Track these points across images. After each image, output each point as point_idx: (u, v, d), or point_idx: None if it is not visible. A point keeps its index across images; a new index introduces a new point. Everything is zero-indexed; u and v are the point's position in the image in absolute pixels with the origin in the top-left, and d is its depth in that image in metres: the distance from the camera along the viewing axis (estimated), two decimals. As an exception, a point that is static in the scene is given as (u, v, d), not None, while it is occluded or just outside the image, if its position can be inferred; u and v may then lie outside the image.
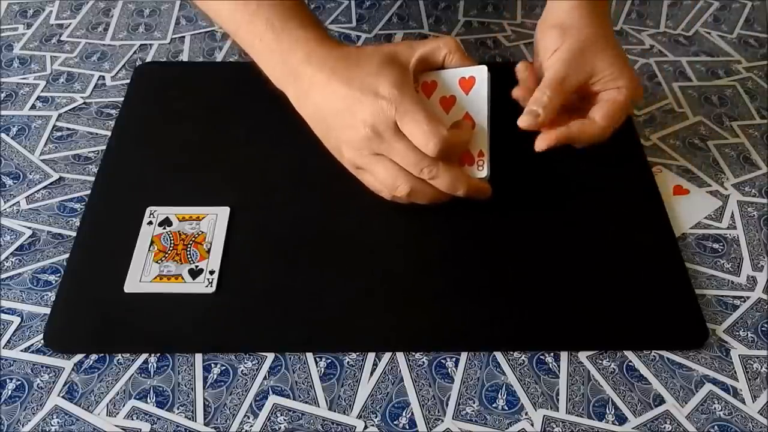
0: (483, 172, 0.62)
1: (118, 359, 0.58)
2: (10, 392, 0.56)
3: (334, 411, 0.55)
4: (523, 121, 0.61)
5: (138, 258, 0.62)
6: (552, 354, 0.58)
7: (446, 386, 0.57)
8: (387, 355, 0.58)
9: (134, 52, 0.84)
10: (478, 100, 0.62)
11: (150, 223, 0.65)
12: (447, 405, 0.56)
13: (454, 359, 0.58)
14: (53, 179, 0.70)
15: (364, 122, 0.58)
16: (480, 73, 0.63)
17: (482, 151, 0.62)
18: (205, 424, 0.54)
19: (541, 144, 0.62)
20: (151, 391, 0.56)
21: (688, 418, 0.55)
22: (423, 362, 0.58)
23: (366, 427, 0.54)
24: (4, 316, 0.60)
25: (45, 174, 0.71)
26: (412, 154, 0.58)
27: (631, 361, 0.58)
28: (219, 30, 0.87)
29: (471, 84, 0.63)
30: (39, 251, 0.65)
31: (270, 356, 0.58)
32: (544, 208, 0.67)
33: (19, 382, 0.56)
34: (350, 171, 0.63)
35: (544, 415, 0.55)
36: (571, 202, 0.67)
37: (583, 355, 0.58)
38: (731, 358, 0.58)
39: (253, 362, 0.58)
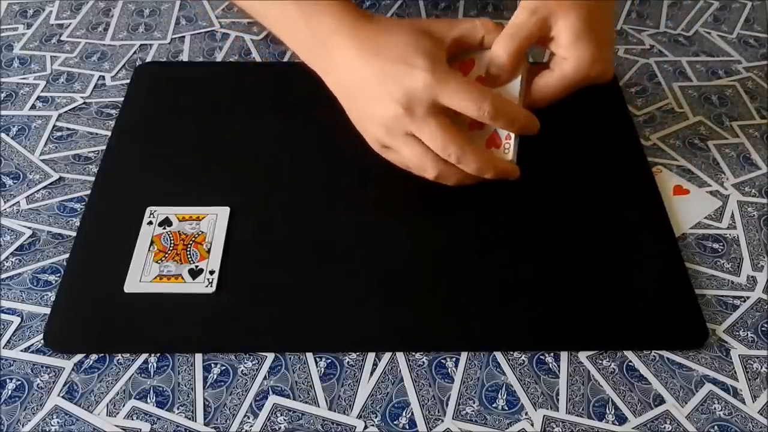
0: (509, 155, 0.61)
1: (118, 359, 0.58)
2: (10, 392, 0.56)
3: (334, 411, 0.55)
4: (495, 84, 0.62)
5: (138, 258, 0.62)
6: (552, 354, 0.58)
7: (446, 386, 0.57)
8: (387, 355, 0.58)
9: (134, 52, 0.84)
10: (511, 87, 0.61)
11: (150, 223, 0.65)
12: (447, 405, 0.56)
13: (454, 359, 0.58)
14: (53, 179, 0.70)
15: (394, 97, 0.56)
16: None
17: (509, 134, 0.61)
18: (205, 424, 0.54)
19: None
20: (151, 391, 0.56)
21: (688, 418, 0.55)
22: (423, 362, 0.58)
23: (366, 427, 0.54)
24: (4, 316, 0.60)
25: (45, 174, 0.71)
26: (441, 135, 0.57)
27: (631, 361, 0.58)
28: (219, 30, 0.87)
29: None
30: (39, 251, 0.65)
31: (270, 356, 0.58)
32: (544, 208, 0.67)
33: (19, 382, 0.56)
34: (374, 148, 0.62)
35: (544, 415, 0.55)
36: (571, 202, 0.67)
37: (583, 355, 0.58)
38: (731, 358, 0.58)
39: (253, 362, 0.58)
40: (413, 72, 0.56)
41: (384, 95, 0.56)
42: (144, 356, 0.58)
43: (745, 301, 0.62)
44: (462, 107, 0.57)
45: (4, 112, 0.77)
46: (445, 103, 0.56)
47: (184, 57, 0.84)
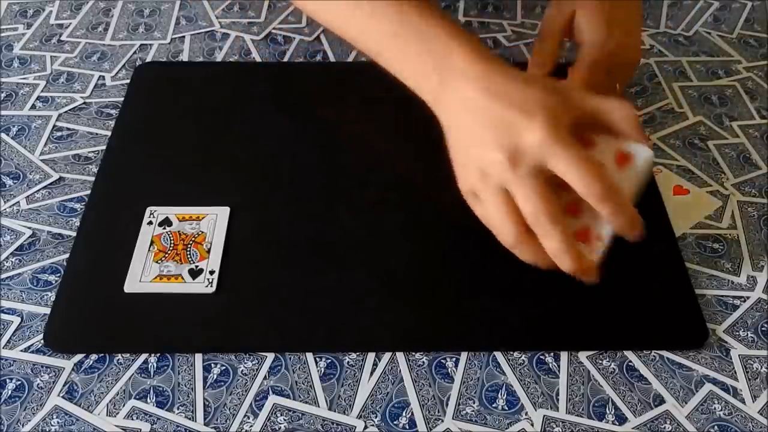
0: (594, 255, 0.55)
1: (118, 359, 0.58)
2: (10, 392, 0.56)
3: (334, 411, 0.55)
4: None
5: (138, 258, 0.62)
6: (552, 354, 0.58)
7: (446, 386, 0.57)
8: (387, 355, 0.58)
9: (134, 52, 0.84)
10: (627, 182, 0.54)
11: (150, 223, 0.65)
12: (447, 405, 0.56)
13: (454, 359, 0.58)
14: (53, 179, 0.70)
15: (502, 144, 0.51)
16: (642, 154, 0.55)
17: (602, 235, 0.55)
18: (205, 424, 0.54)
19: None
20: (151, 391, 0.56)
21: (688, 418, 0.55)
22: (423, 362, 0.58)
23: (366, 427, 0.54)
24: (4, 316, 0.60)
25: (45, 174, 0.71)
26: (537, 200, 0.51)
27: (631, 361, 0.58)
28: (219, 30, 0.87)
29: (628, 162, 0.55)
30: (39, 251, 0.65)
31: (270, 356, 0.58)
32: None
33: (19, 382, 0.56)
34: (462, 191, 0.56)
35: (544, 415, 0.55)
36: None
37: (583, 355, 0.58)
38: (731, 358, 0.58)
39: (253, 362, 0.58)
40: (531, 125, 0.51)
41: (493, 139, 0.52)
42: (144, 356, 0.58)
43: (745, 301, 0.62)
44: (571, 179, 0.51)
45: (4, 112, 0.77)
46: (554, 168, 0.51)
47: (184, 57, 0.84)
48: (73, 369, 0.57)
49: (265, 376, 0.57)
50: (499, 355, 0.58)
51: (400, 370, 0.57)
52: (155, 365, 0.57)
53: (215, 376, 0.57)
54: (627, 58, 0.70)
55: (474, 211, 0.56)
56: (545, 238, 0.52)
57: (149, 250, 0.63)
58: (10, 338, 0.59)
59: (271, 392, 0.56)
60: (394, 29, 0.57)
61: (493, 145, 0.51)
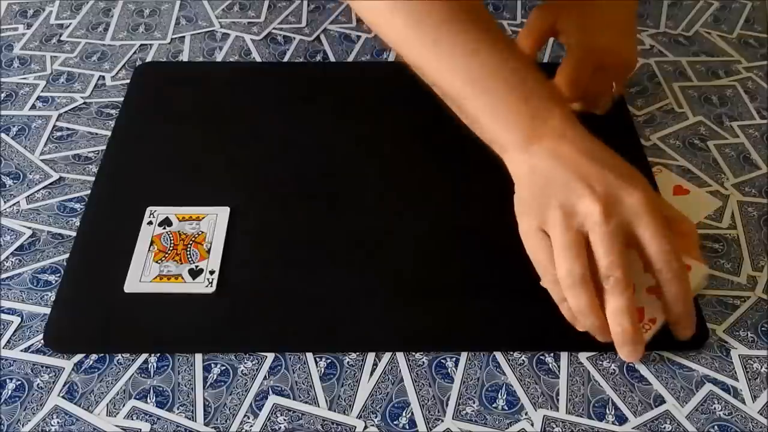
0: (646, 335, 0.55)
1: (118, 359, 0.58)
2: (10, 392, 0.56)
3: (334, 411, 0.55)
4: None
5: (138, 258, 0.62)
6: (552, 354, 0.58)
7: (446, 386, 0.57)
8: (387, 355, 0.58)
9: (134, 52, 0.84)
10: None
11: (150, 223, 0.65)
12: (447, 405, 0.55)
13: (454, 359, 0.58)
14: (53, 179, 0.70)
15: (599, 193, 0.51)
16: (701, 269, 0.57)
17: (656, 319, 0.55)
18: (205, 424, 0.54)
19: None
20: (151, 391, 0.56)
21: (688, 418, 0.55)
22: (423, 362, 0.58)
23: (366, 427, 0.54)
24: (4, 316, 0.60)
25: (45, 174, 0.71)
26: (616, 255, 0.51)
27: (631, 362, 0.58)
28: (219, 30, 0.87)
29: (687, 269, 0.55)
30: (39, 251, 0.65)
31: (270, 356, 0.58)
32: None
33: (19, 382, 0.56)
34: (525, 225, 0.55)
35: (544, 415, 0.55)
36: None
37: (583, 356, 0.58)
38: (731, 358, 0.58)
39: (253, 362, 0.58)
40: (632, 189, 0.52)
41: (589, 192, 0.51)
42: (144, 356, 0.58)
43: (745, 301, 0.62)
44: (653, 248, 0.52)
45: (4, 112, 0.77)
46: (641, 234, 0.52)
47: (184, 57, 0.84)
48: (73, 369, 0.57)
49: (265, 376, 0.57)
50: (499, 355, 0.58)
51: (400, 370, 0.57)
52: (155, 365, 0.57)
53: (215, 376, 0.57)
54: (621, 59, 0.70)
55: (529, 248, 0.55)
56: (611, 296, 0.52)
57: (149, 250, 0.63)
58: (10, 338, 0.59)
59: (271, 392, 0.56)
60: (476, 71, 0.55)
61: (589, 194, 0.51)
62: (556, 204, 0.52)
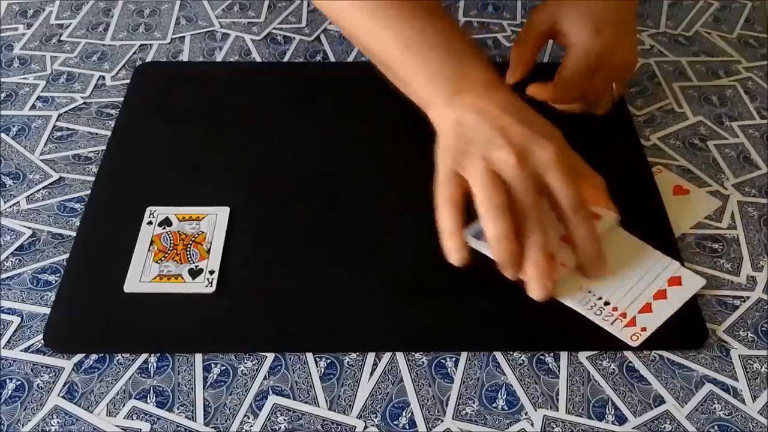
0: (557, 275, 0.58)
1: (118, 359, 0.58)
2: (10, 392, 0.56)
3: (334, 411, 0.55)
4: (508, 80, 0.71)
5: (138, 258, 0.62)
6: (552, 354, 0.58)
7: (446, 386, 0.57)
8: (387, 355, 0.58)
9: (134, 52, 0.84)
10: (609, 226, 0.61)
11: (150, 223, 0.65)
12: (447, 405, 0.56)
13: (454, 359, 0.58)
14: (53, 179, 0.70)
15: (513, 147, 0.56)
16: (609, 216, 0.61)
17: (567, 264, 0.59)
18: (205, 424, 0.54)
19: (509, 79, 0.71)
20: (151, 391, 0.56)
21: (688, 418, 0.55)
22: (423, 362, 0.58)
23: (366, 427, 0.54)
24: (4, 316, 0.60)
25: (45, 174, 0.71)
26: (535, 197, 0.56)
27: (631, 362, 0.58)
28: (219, 30, 0.87)
29: (596, 219, 0.60)
30: (39, 251, 0.65)
31: (270, 356, 0.58)
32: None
33: (19, 382, 0.56)
34: (443, 164, 0.59)
35: (544, 415, 0.55)
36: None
37: (583, 356, 0.58)
38: (731, 358, 0.58)
39: (253, 362, 0.58)
40: (546, 145, 0.56)
41: (505, 142, 0.56)
42: (144, 356, 0.58)
43: (745, 301, 0.62)
44: (560, 193, 0.56)
45: (4, 112, 0.77)
46: (550, 181, 0.56)
47: (184, 57, 0.84)
48: (73, 369, 0.57)
49: (265, 376, 0.57)
50: (499, 355, 0.58)
51: (400, 370, 0.57)
52: (155, 365, 0.57)
53: (215, 376, 0.57)
54: (621, 59, 0.70)
55: (441, 188, 0.59)
56: (531, 238, 0.56)
57: (149, 250, 0.63)
58: (10, 338, 0.59)
59: (271, 392, 0.56)
60: (411, 37, 0.60)
61: (507, 145, 0.56)
62: (478, 155, 0.57)
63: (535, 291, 0.57)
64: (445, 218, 0.58)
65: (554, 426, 0.54)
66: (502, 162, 0.56)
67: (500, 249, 0.57)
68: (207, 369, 0.57)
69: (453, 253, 0.58)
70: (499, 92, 0.59)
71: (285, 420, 0.55)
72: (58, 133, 0.75)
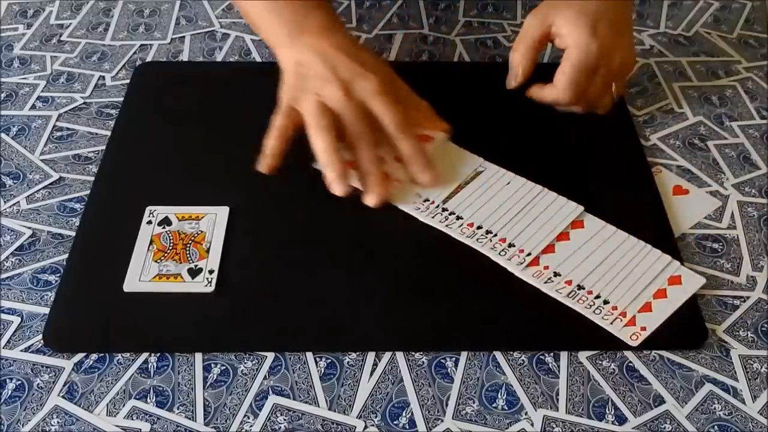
0: (392, 187, 0.66)
1: (118, 359, 0.58)
2: (10, 392, 0.56)
3: (334, 411, 0.55)
4: (509, 84, 0.73)
5: (137, 257, 0.62)
6: (552, 354, 0.58)
7: (446, 386, 0.57)
8: (387, 355, 0.58)
9: (134, 52, 0.84)
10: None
11: (149, 222, 0.65)
12: (447, 405, 0.56)
13: (454, 359, 0.58)
14: (53, 179, 0.70)
15: (342, 81, 0.65)
16: (438, 137, 0.69)
17: (400, 179, 0.66)
18: (205, 424, 0.54)
19: (510, 83, 0.73)
20: (151, 391, 0.56)
21: (688, 418, 0.55)
22: (423, 362, 0.58)
23: (366, 427, 0.54)
24: (4, 316, 0.60)
25: (45, 174, 0.71)
26: (362, 121, 0.64)
27: (631, 362, 0.58)
28: (219, 30, 0.87)
29: (428, 140, 0.69)
30: (39, 251, 0.65)
31: (270, 356, 0.58)
32: (544, 208, 0.67)
33: (19, 382, 0.56)
34: (281, 102, 0.67)
35: (544, 415, 0.55)
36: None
37: (583, 356, 0.58)
38: (731, 358, 0.58)
39: (253, 362, 0.58)
40: (372, 74, 0.65)
41: (335, 76, 0.65)
42: (144, 356, 0.58)
43: (745, 301, 0.62)
44: (385, 118, 0.65)
45: (4, 112, 0.77)
46: (374, 107, 0.65)
47: (184, 57, 0.84)
48: (73, 369, 0.57)
49: (265, 376, 0.57)
50: (499, 355, 0.58)
51: (400, 370, 0.57)
52: (155, 365, 0.57)
53: (215, 376, 0.57)
54: (619, 58, 0.70)
55: (279, 119, 0.66)
56: (361, 152, 0.65)
57: (148, 249, 0.63)
58: (10, 338, 0.59)
59: (271, 392, 0.56)
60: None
61: (336, 80, 0.65)
62: (312, 91, 0.65)
63: (370, 198, 0.65)
64: (270, 139, 0.65)
65: (554, 426, 0.54)
66: (331, 95, 0.64)
67: (326, 160, 0.64)
68: (207, 369, 0.57)
69: (263, 161, 0.65)
70: (335, 34, 0.68)
71: (285, 420, 0.55)
72: (58, 133, 0.75)
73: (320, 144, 0.64)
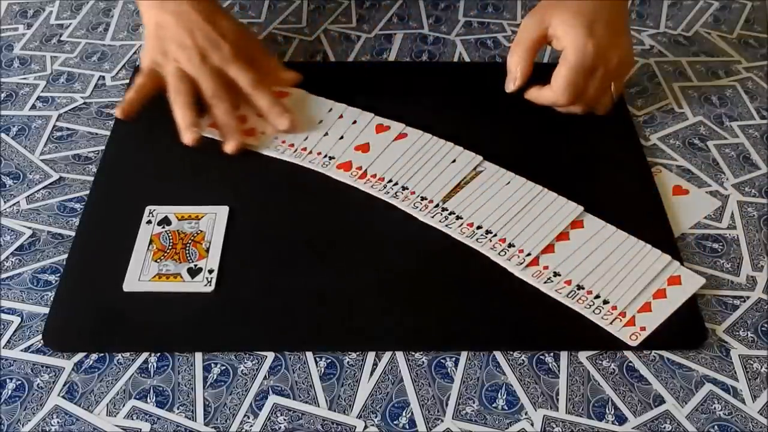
0: (258, 142, 0.71)
1: (118, 359, 0.58)
2: (10, 392, 0.56)
3: (334, 411, 0.55)
4: (508, 88, 0.72)
5: (137, 257, 0.62)
6: (552, 354, 0.58)
7: (446, 386, 0.57)
8: (387, 355, 0.58)
9: (134, 52, 0.84)
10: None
11: (149, 222, 0.65)
12: (447, 405, 0.55)
13: (454, 359, 0.58)
14: (53, 179, 0.70)
15: (198, 46, 0.71)
16: (295, 93, 0.75)
17: (266, 133, 0.72)
18: (205, 424, 0.54)
19: (509, 86, 0.73)
20: (151, 391, 0.56)
21: (688, 418, 0.55)
22: (423, 362, 0.58)
23: (366, 427, 0.54)
24: (4, 316, 0.60)
25: (45, 174, 0.71)
26: (216, 83, 0.71)
27: (631, 362, 0.58)
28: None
29: (283, 96, 0.74)
30: (39, 251, 0.65)
31: (270, 356, 0.58)
32: (544, 208, 0.67)
33: (19, 382, 0.56)
34: (144, 64, 0.74)
35: (544, 415, 0.55)
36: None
37: (583, 356, 0.58)
38: (731, 358, 0.58)
39: (253, 362, 0.58)
40: (224, 42, 0.72)
41: (193, 43, 0.71)
42: (144, 356, 0.58)
43: (745, 301, 0.62)
44: (240, 80, 0.72)
45: (4, 112, 0.77)
46: (229, 71, 0.72)
47: (184, 57, 0.84)
48: (73, 369, 0.57)
49: (265, 376, 0.57)
50: (499, 355, 0.58)
51: (400, 370, 0.57)
52: (155, 365, 0.57)
53: (215, 376, 0.57)
54: (617, 57, 0.70)
55: (141, 78, 0.72)
56: (216, 109, 0.71)
57: (148, 249, 0.63)
58: (10, 338, 0.59)
59: (271, 392, 0.56)
60: None
61: (193, 46, 0.71)
62: (171, 57, 0.72)
63: (228, 146, 0.70)
64: (130, 92, 0.72)
65: (554, 426, 0.54)
66: (188, 62, 0.71)
67: (179, 114, 0.70)
68: (207, 369, 0.57)
69: (119, 107, 0.71)
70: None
71: (285, 420, 0.55)
72: (58, 133, 0.75)
73: (176, 103, 0.70)
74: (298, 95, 0.75)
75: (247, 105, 0.73)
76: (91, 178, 0.70)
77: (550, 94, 0.71)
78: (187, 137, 0.69)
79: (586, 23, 0.68)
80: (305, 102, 0.75)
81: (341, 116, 0.74)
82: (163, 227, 0.65)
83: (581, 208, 0.65)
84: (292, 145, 0.71)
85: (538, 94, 0.72)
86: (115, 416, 0.55)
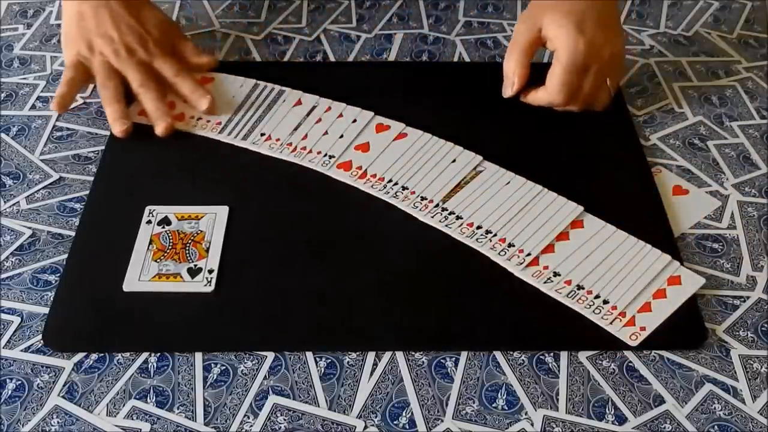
0: (190, 126, 0.73)
1: (118, 359, 0.58)
2: (10, 392, 0.56)
3: (334, 411, 0.55)
4: (505, 93, 0.73)
5: (137, 257, 0.62)
6: (552, 354, 0.58)
7: (446, 386, 0.57)
8: (387, 355, 0.58)
9: (134, 52, 0.84)
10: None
11: (149, 222, 0.65)
12: (447, 405, 0.55)
13: (454, 359, 0.58)
14: (53, 179, 0.70)
15: (122, 42, 0.74)
16: (219, 78, 0.78)
17: (194, 114, 0.74)
18: (205, 424, 0.54)
19: (507, 92, 0.73)
20: (151, 391, 0.56)
21: (688, 418, 0.55)
22: (423, 362, 0.58)
23: (366, 427, 0.54)
24: (4, 316, 0.60)
25: (45, 174, 0.71)
26: (142, 75, 0.74)
27: (630, 361, 0.58)
28: (219, 30, 0.87)
29: (208, 82, 0.78)
30: (39, 251, 0.65)
31: (270, 356, 0.58)
32: (544, 208, 0.67)
33: (19, 382, 0.56)
34: (68, 58, 0.76)
35: (544, 415, 0.55)
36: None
37: (582, 356, 0.58)
38: (731, 358, 0.58)
39: (253, 362, 0.58)
40: (148, 36, 0.75)
41: (118, 37, 0.74)
42: (144, 356, 0.58)
43: (745, 301, 0.62)
44: (165, 72, 0.75)
45: (4, 112, 0.77)
46: (158, 65, 0.75)
47: (184, 57, 0.84)
48: (73, 369, 0.57)
49: (265, 376, 0.57)
50: (499, 355, 0.58)
51: (400, 370, 0.57)
52: (155, 365, 0.57)
53: (215, 376, 0.57)
54: (609, 53, 0.70)
55: (67, 73, 0.75)
56: (145, 97, 0.73)
57: (148, 249, 0.63)
58: (10, 338, 0.59)
59: (271, 392, 0.56)
60: None
61: (116, 41, 0.74)
62: (97, 50, 0.74)
63: (158, 128, 0.72)
64: (61, 87, 0.74)
65: (554, 426, 0.54)
66: (114, 56, 0.74)
67: (110, 110, 0.72)
68: (207, 369, 0.57)
69: (54, 101, 0.74)
70: None
71: (285, 420, 0.55)
72: (58, 133, 0.75)
73: (105, 98, 0.73)
74: (219, 79, 0.78)
75: (173, 92, 0.75)
76: (91, 178, 0.70)
77: (545, 95, 0.71)
78: (117, 129, 0.71)
79: (576, 22, 0.68)
80: (224, 84, 0.78)
81: (341, 115, 0.73)
82: (163, 227, 0.65)
83: (581, 208, 0.65)
84: (291, 144, 0.71)
85: (533, 96, 0.72)
86: (115, 416, 0.55)
